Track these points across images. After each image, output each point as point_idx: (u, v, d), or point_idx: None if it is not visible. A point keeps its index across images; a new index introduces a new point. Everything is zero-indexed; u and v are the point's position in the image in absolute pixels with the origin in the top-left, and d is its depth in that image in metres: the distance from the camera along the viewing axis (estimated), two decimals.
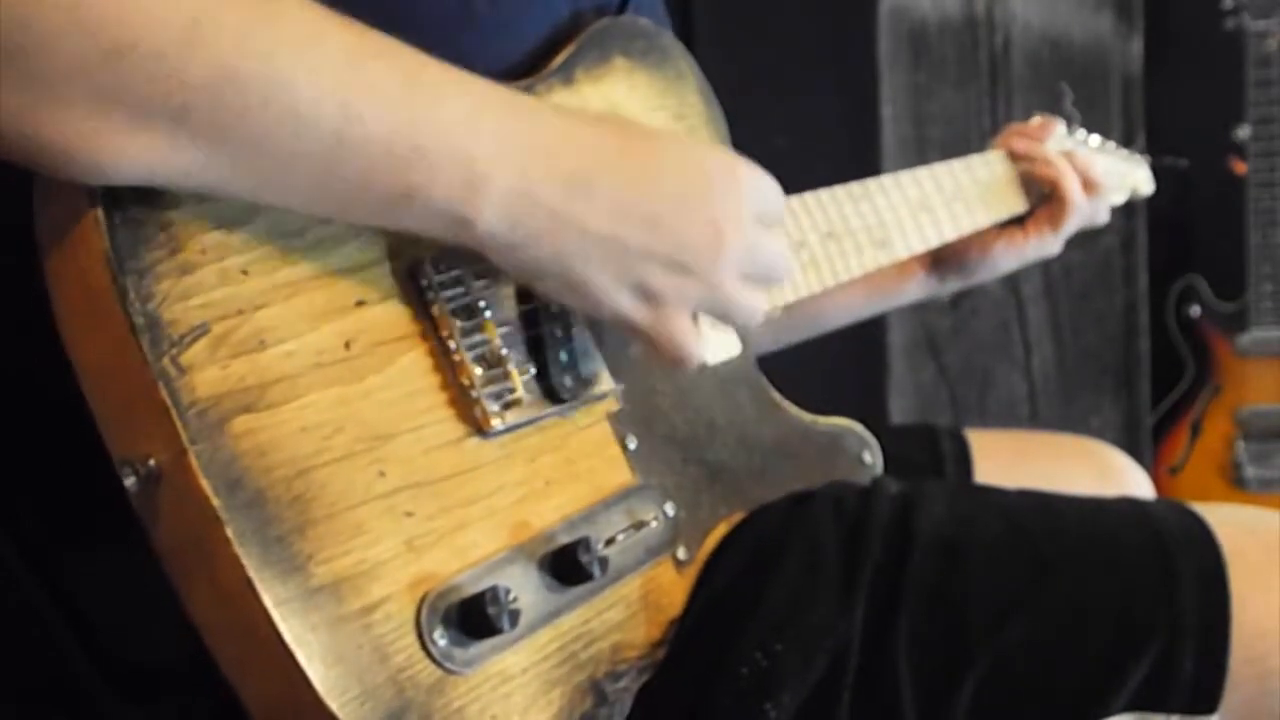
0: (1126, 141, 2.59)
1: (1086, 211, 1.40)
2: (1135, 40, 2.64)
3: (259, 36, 0.67)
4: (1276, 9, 2.64)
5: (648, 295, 0.83)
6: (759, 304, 0.90)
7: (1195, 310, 2.80)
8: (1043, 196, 1.38)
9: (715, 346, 0.99)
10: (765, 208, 0.89)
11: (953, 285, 1.43)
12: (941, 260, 1.38)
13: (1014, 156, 1.38)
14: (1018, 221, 1.38)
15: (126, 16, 0.63)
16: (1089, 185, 1.39)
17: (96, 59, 0.63)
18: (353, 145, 0.70)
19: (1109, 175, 1.46)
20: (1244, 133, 2.69)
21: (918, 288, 1.42)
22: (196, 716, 0.78)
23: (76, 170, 0.67)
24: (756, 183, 0.89)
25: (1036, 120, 1.45)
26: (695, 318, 0.86)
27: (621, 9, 1.04)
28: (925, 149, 2.22)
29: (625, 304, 0.82)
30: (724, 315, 0.88)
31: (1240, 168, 2.71)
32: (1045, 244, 1.40)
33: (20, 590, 0.77)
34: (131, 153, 0.66)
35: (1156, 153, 2.23)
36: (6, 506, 0.77)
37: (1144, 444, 2.77)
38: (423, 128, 0.72)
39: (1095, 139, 1.52)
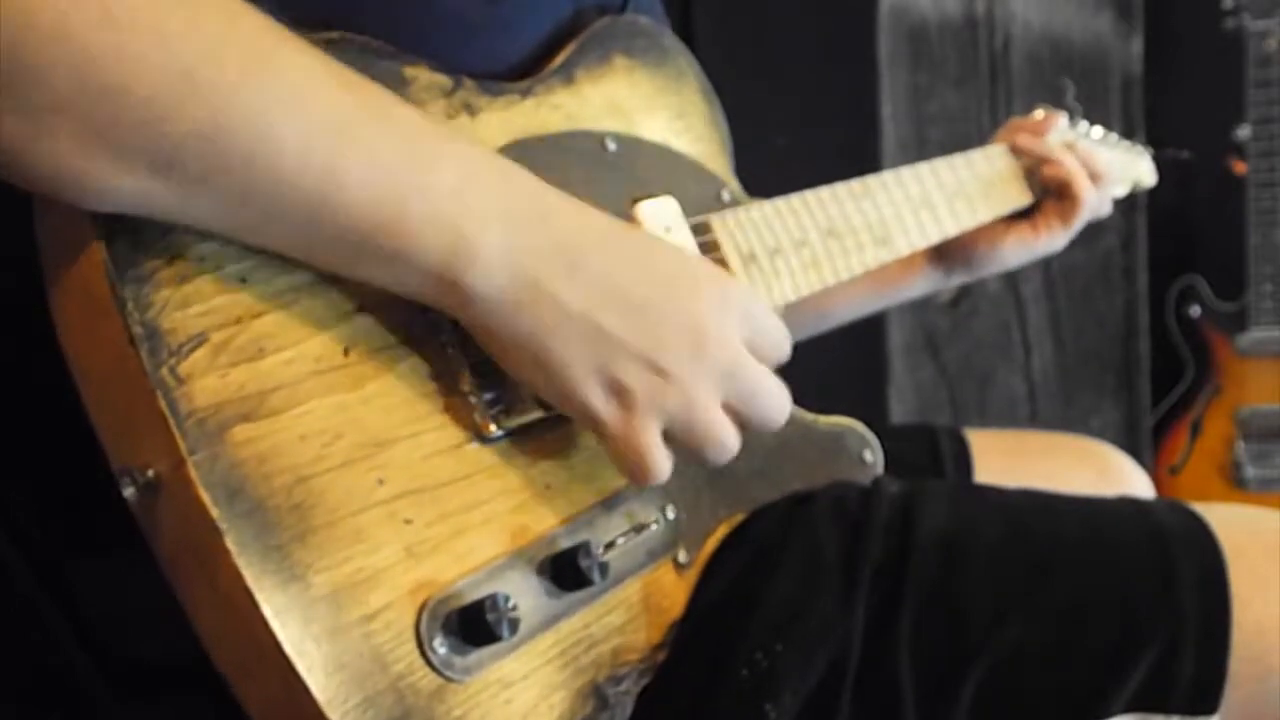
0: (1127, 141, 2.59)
1: (1095, 205, 1.40)
2: (1135, 40, 2.64)
3: (251, 92, 0.67)
4: (1276, 9, 2.64)
5: (618, 392, 0.79)
6: (732, 440, 0.84)
7: (1195, 310, 2.80)
8: (1049, 192, 1.38)
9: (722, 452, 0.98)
10: (759, 337, 0.86)
11: (959, 279, 1.43)
12: (948, 255, 1.38)
13: (1017, 151, 1.38)
14: (1027, 218, 1.38)
15: (120, 59, 0.63)
16: (1094, 177, 1.39)
17: (86, 97, 0.63)
18: (336, 208, 0.70)
19: (1112, 167, 1.46)
20: (1244, 133, 2.69)
21: (924, 282, 1.42)
22: (196, 716, 0.78)
23: (65, 198, 0.67)
24: (751, 307, 0.86)
25: (1039, 114, 1.45)
26: (667, 438, 0.81)
27: (624, 8, 1.04)
28: (925, 149, 2.22)
29: (595, 398, 0.79)
30: (694, 438, 0.82)
31: (1240, 168, 2.72)
32: (1055, 240, 1.40)
33: (20, 590, 0.77)
34: (115, 189, 0.66)
35: (1160, 150, 2.24)
36: (6, 506, 0.77)
37: (1144, 444, 2.77)
38: (410, 195, 0.72)
39: (1097, 131, 1.52)
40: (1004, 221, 1.37)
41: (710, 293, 0.84)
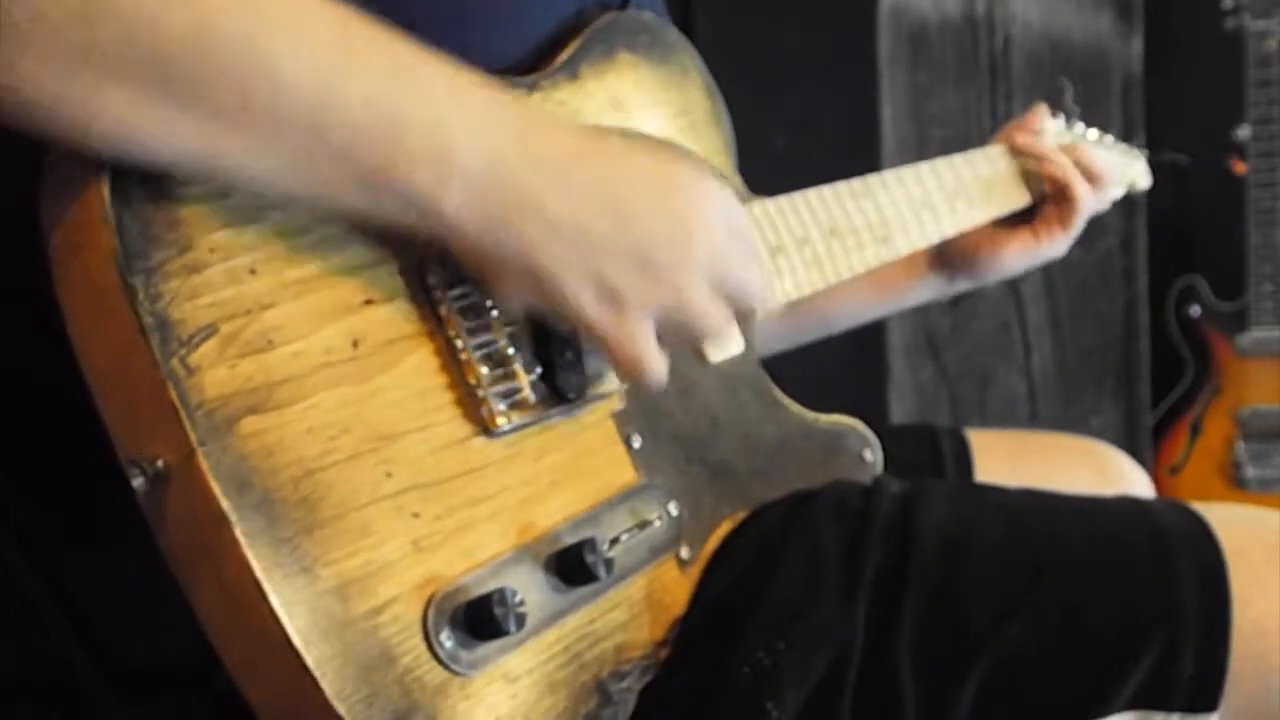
0: (1127, 141, 2.59)
1: (1092, 206, 1.39)
2: (1135, 40, 2.64)
3: (242, 2, 0.67)
4: (1276, 9, 2.64)
5: (610, 295, 0.80)
6: (725, 321, 0.86)
7: (1195, 310, 2.79)
8: (1048, 195, 1.38)
9: (719, 345, 0.99)
10: (737, 224, 0.88)
11: (962, 286, 1.43)
12: (951, 261, 1.38)
13: (1016, 152, 1.38)
14: (1028, 224, 1.38)
15: None
16: (1092, 178, 1.39)
17: (72, 11, 0.63)
18: (332, 118, 0.70)
19: (1109, 168, 1.46)
20: (1244, 133, 2.69)
21: (927, 288, 1.42)
22: (196, 716, 0.78)
23: (61, 129, 0.67)
24: (727, 199, 0.88)
25: (1034, 109, 1.45)
26: (661, 338, 0.83)
27: (625, 4, 1.04)
28: (925, 149, 2.22)
29: (587, 303, 0.79)
30: (688, 327, 0.85)
31: (1240, 168, 2.72)
32: (1056, 244, 1.39)
33: (21, 589, 0.77)
34: (109, 111, 0.66)
35: (1156, 152, 2.24)
36: (7, 506, 0.77)
37: (1144, 444, 2.77)
38: (402, 111, 0.72)
39: (1094, 133, 1.52)
40: (1005, 228, 1.37)
41: (692, 189, 0.85)
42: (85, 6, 0.63)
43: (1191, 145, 2.79)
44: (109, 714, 0.78)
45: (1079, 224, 1.39)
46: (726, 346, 0.95)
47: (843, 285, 1.22)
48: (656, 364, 0.83)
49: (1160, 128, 2.70)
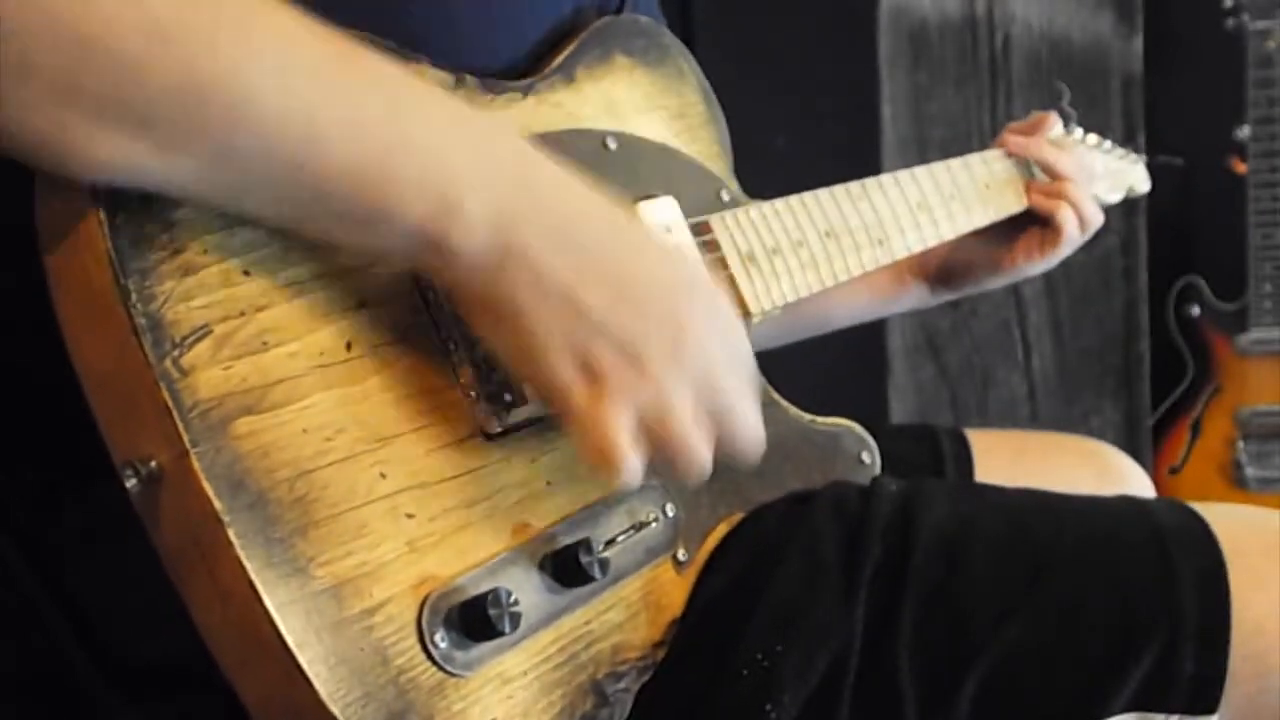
0: (1126, 141, 2.59)
1: (1078, 241, 1.39)
2: (1135, 40, 2.64)
3: (227, 47, 0.66)
4: (1277, 9, 2.64)
5: (590, 372, 0.76)
6: (702, 452, 0.80)
7: (1195, 310, 2.79)
8: (1036, 219, 1.38)
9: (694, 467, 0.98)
10: (738, 357, 0.84)
11: (942, 296, 1.43)
12: (928, 273, 1.38)
13: (1011, 155, 1.38)
14: (1009, 244, 1.38)
15: (90, 16, 0.63)
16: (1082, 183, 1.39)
17: (57, 59, 0.63)
18: (318, 167, 0.69)
19: (1106, 174, 1.46)
20: (1244, 133, 2.69)
21: (910, 297, 1.42)
22: (197, 716, 0.78)
23: (51, 166, 0.67)
24: (735, 326, 0.84)
25: (1034, 116, 1.45)
26: (636, 434, 0.77)
27: (621, 7, 1.04)
28: (925, 149, 2.22)
29: (565, 372, 0.76)
30: (665, 442, 0.78)
31: (1240, 168, 2.71)
32: (1033, 267, 1.39)
33: (21, 589, 0.77)
34: (95, 152, 0.66)
35: (1156, 152, 2.23)
36: (7, 506, 0.77)
37: (1144, 444, 2.76)
38: (396, 151, 0.71)
39: (1092, 137, 1.52)
40: (984, 244, 1.37)
41: (699, 297, 0.82)
42: (73, 55, 0.63)
43: (1191, 145, 2.79)
44: (109, 714, 0.78)
45: (1060, 255, 1.39)
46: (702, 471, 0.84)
47: (838, 288, 1.23)
48: (629, 459, 0.76)
49: (1160, 128, 2.69)
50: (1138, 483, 1.40)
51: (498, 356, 0.78)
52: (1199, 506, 0.96)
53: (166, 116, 0.65)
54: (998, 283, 1.42)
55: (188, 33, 0.65)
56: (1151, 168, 1.62)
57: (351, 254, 0.76)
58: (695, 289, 0.83)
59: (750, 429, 0.83)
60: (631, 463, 0.76)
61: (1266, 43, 2.65)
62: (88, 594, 0.78)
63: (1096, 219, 1.38)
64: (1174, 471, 2.79)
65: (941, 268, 1.38)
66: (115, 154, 0.66)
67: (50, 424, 0.77)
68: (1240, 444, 2.73)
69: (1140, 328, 2.70)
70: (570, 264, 0.75)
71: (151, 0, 0.64)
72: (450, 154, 0.73)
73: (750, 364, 0.85)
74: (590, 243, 0.77)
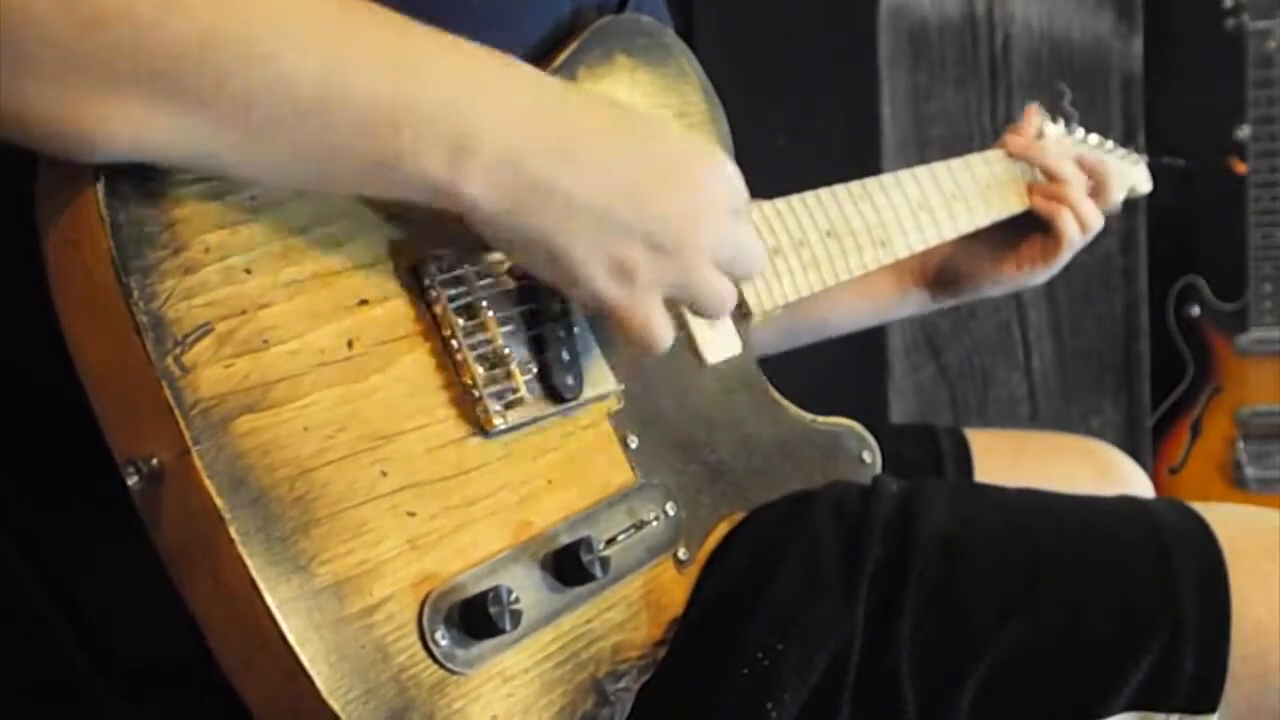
0: (1126, 142, 2.59)
1: (1079, 245, 1.39)
2: (1135, 40, 2.64)
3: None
4: (1277, 9, 2.64)
5: (623, 272, 0.82)
6: (728, 293, 0.89)
7: (1195, 310, 2.79)
8: (1037, 225, 1.38)
9: (716, 345, 0.99)
10: (739, 200, 0.90)
11: (944, 301, 1.43)
12: (928, 279, 1.39)
13: (1012, 156, 1.38)
14: (1012, 249, 1.38)
15: None
16: (1096, 188, 1.39)
17: (73, 32, 0.63)
18: (337, 109, 0.70)
19: (1111, 174, 1.46)
20: (1244, 133, 2.68)
21: (910, 303, 1.42)
22: (197, 716, 0.78)
23: (68, 144, 0.67)
24: (731, 175, 0.90)
25: (1028, 111, 1.45)
26: (669, 307, 0.86)
27: (622, 6, 1.04)
28: (925, 149, 2.22)
29: (600, 280, 0.81)
30: (694, 300, 0.88)
31: (1240, 168, 2.71)
32: (1035, 276, 1.39)
33: (20, 589, 0.77)
34: (114, 123, 0.66)
35: (1156, 152, 2.23)
36: (7, 506, 0.77)
37: (1144, 444, 2.76)
38: (410, 92, 0.72)
39: (1093, 138, 1.52)
40: (988, 252, 1.37)
41: (704, 170, 0.87)
42: (88, 25, 0.63)
43: (1191, 145, 2.79)
44: (109, 714, 0.78)
45: (1061, 261, 1.39)
46: (726, 347, 0.97)
47: (838, 295, 1.23)
48: (664, 332, 0.85)
49: (1160, 128, 2.69)
50: (1137, 483, 1.40)
51: (541, 278, 0.83)
52: (1199, 506, 0.96)
53: (180, 76, 0.66)
54: (999, 290, 1.42)
55: None
56: (1153, 168, 1.62)
57: (380, 200, 0.78)
58: (701, 164, 0.88)
59: (757, 257, 0.93)
60: (666, 335, 0.86)
61: (1266, 43, 2.64)
62: (88, 594, 0.78)
63: (1097, 222, 1.38)
64: (1174, 471, 2.78)
65: (943, 274, 1.38)
66: (131, 125, 0.66)
67: (50, 424, 0.77)
68: (1240, 444, 2.72)
69: (1140, 328, 2.69)
70: (588, 183, 0.79)
71: None
72: (461, 100, 0.74)
73: (744, 192, 0.92)
74: (602, 154, 0.81)
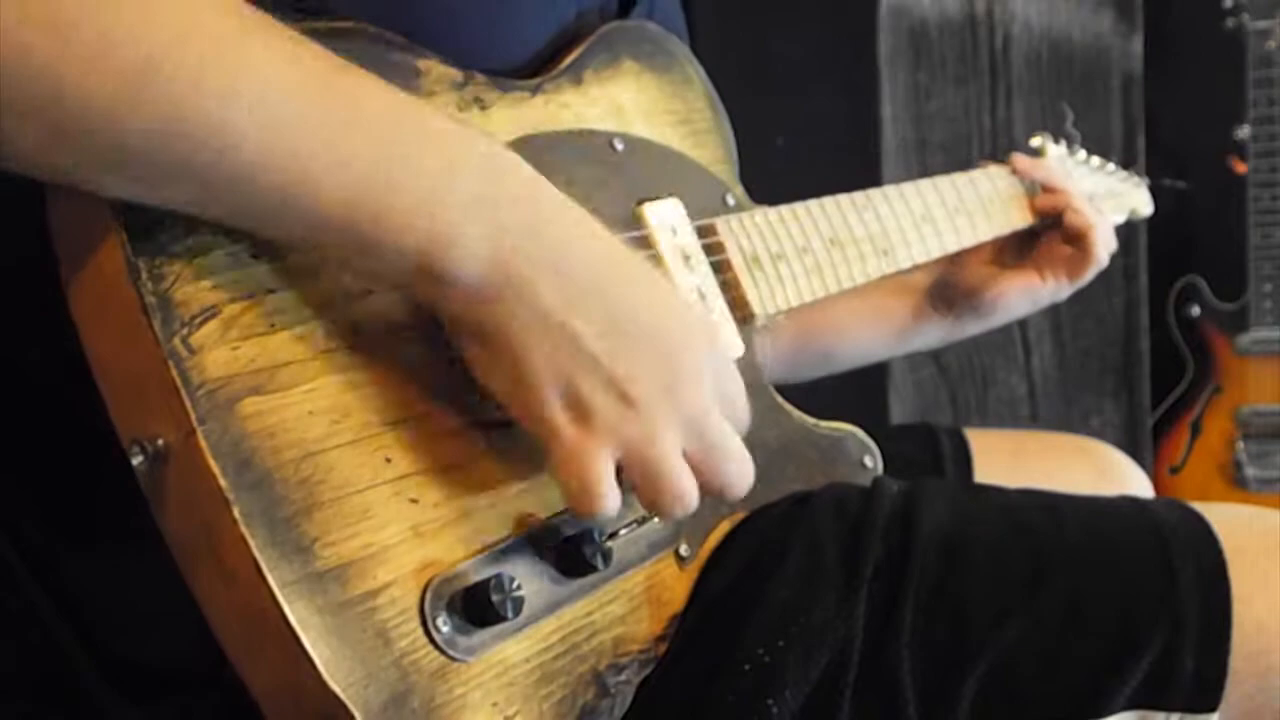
0: (1127, 141, 2.60)
1: (1104, 263, 1.39)
2: (1135, 40, 2.64)
3: (215, 83, 0.65)
4: (1276, 9, 2.64)
5: (579, 409, 0.75)
6: (687, 489, 0.79)
7: (1195, 310, 2.79)
8: (1066, 239, 1.38)
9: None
10: (731, 397, 0.83)
11: (970, 328, 1.42)
12: (953, 301, 1.38)
13: (1017, 173, 1.38)
14: (1035, 267, 1.38)
15: (67, 64, 0.62)
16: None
17: (43, 103, 0.62)
18: (309, 202, 0.68)
19: (1109, 195, 1.47)
20: (1244, 133, 2.68)
21: (934, 330, 1.42)
22: (197, 716, 0.78)
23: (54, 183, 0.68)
24: (725, 363, 0.84)
25: (1035, 142, 1.46)
26: (619, 477, 0.77)
27: (625, 11, 1.05)
28: (925, 149, 2.23)
29: (551, 406, 0.75)
30: (649, 480, 0.78)
31: (1240, 167, 2.71)
32: (1060, 291, 1.40)
33: (21, 590, 0.77)
34: (93, 187, 0.67)
35: (1156, 153, 2.24)
36: (7, 506, 0.77)
37: (1144, 444, 2.76)
38: (387, 185, 0.70)
39: (1095, 160, 1.53)
40: (1010, 269, 1.38)
41: (696, 338, 0.81)
42: (60, 102, 0.62)
43: (1191, 145, 2.79)
44: (110, 714, 0.78)
45: (1087, 277, 1.39)
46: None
47: (848, 322, 1.23)
48: (606, 495, 0.76)
49: (1160, 128, 2.69)
50: (1137, 482, 1.40)
51: (489, 388, 0.77)
52: (1200, 506, 0.96)
53: (153, 158, 0.65)
54: (1024, 310, 1.42)
55: (174, 71, 0.64)
56: (1153, 189, 1.63)
57: (352, 278, 0.76)
58: (692, 326, 0.82)
59: (738, 469, 0.82)
60: (609, 501, 0.76)
61: (1266, 43, 2.64)
62: (88, 594, 0.78)
63: (1112, 240, 1.39)
64: (1174, 471, 2.78)
65: (966, 296, 1.38)
66: (111, 189, 0.67)
67: (51, 424, 0.77)
68: (1240, 444, 2.72)
69: (1140, 328, 2.69)
70: (566, 296, 0.75)
71: (127, 49, 0.63)
72: (446, 185, 0.72)
73: (742, 403, 0.84)
74: (589, 275, 0.76)
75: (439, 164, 0.72)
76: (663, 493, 0.78)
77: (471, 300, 0.74)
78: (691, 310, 0.87)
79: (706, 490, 0.81)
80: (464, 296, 0.73)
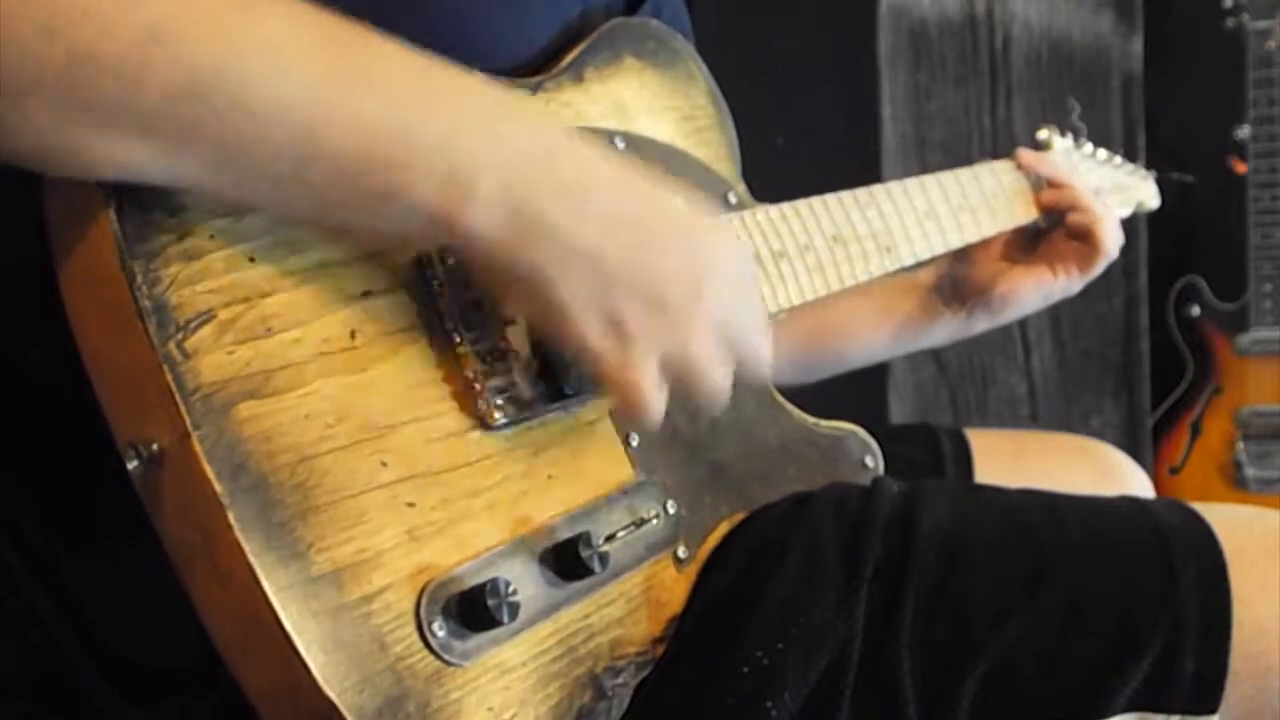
0: (1128, 141, 2.59)
1: (1114, 255, 1.39)
2: (1135, 40, 2.64)
3: (225, 41, 0.65)
4: (1276, 9, 2.64)
5: (617, 328, 0.78)
6: (724, 374, 0.85)
7: (1195, 310, 2.79)
8: (1073, 236, 1.37)
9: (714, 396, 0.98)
10: (747, 275, 0.88)
11: (981, 324, 1.42)
12: (964, 298, 1.38)
13: (1022, 168, 1.38)
14: (1045, 261, 1.38)
15: (86, 24, 0.62)
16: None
17: (53, 72, 0.62)
18: (324, 154, 0.69)
19: (1115, 189, 1.47)
20: (1244, 133, 2.68)
21: (944, 326, 1.41)
22: (197, 716, 0.78)
23: (58, 172, 0.67)
24: (742, 249, 0.88)
25: (1041, 135, 1.46)
26: (662, 376, 0.82)
27: (630, 10, 1.04)
28: (925, 149, 2.22)
29: (593, 332, 0.78)
30: (688, 370, 0.83)
31: (1240, 167, 2.71)
32: (1072, 283, 1.39)
33: (21, 590, 0.77)
34: (99, 158, 0.66)
35: (1156, 154, 2.23)
36: (8, 507, 0.77)
37: (1144, 444, 2.76)
38: (402, 136, 0.71)
39: (1102, 153, 1.52)
40: (1021, 264, 1.37)
41: (713, 237, 0.85)
42: (69, 68, 0.62)
43: (1191, 145, 2.79)
44: (109, 714, 0.78)
45: (1098, 270, 1.39)
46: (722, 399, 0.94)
47: (858, 322, 1.23)
48: (655, 401, 0.81)
49: (1160, 128, 2.69)
50: (1137, 483, 1.40)
51: (532, 325, 0.81)
52: (1200, 507, 0.96)
53: (168, 119, 0.65)
54: (1036, 305, 1.41)
55: (185, 33, 0.64)
56: (1159, 182, 1.63)
57: (370, 240, 0.76)
58: (711, 231, 0.86)
59: (763, 358, 0.89)
60: (657, 405, 0.81)
61: (1266, 43, 2.64)
62: (88, 594, 0.78)
63: (1120, 234, 1.39)
64: (1174, 471, 2.78)
65: (977, 292, 1.38)
66: (120, 159, 0.66)
67: (51, 425, 0.77)
68: (1240, 444, 2.72)
69: (1140, 328, 2.69)
70: (589, 226, 0.77)
71: (145, 5, 0.63)
72: (459, 132, 0.73)
73: (759, 301, 0.89)
74: (607, 202, 0.78)
75: (451, 111, 0.73)
76: (701, 384, 0.84)
77: (495, 246, 0.74)
78: (703, 210, 0.90)
79: (742, 364, 0.87)
80: (487, 244, 0.74)
